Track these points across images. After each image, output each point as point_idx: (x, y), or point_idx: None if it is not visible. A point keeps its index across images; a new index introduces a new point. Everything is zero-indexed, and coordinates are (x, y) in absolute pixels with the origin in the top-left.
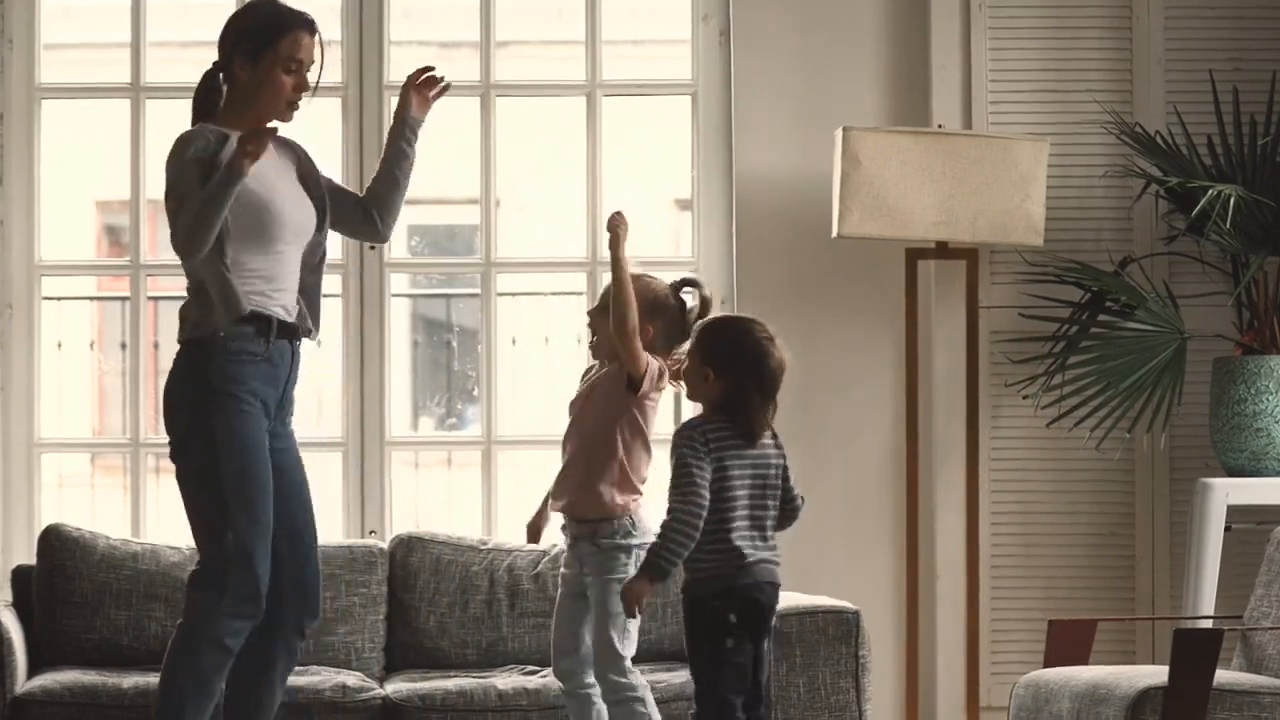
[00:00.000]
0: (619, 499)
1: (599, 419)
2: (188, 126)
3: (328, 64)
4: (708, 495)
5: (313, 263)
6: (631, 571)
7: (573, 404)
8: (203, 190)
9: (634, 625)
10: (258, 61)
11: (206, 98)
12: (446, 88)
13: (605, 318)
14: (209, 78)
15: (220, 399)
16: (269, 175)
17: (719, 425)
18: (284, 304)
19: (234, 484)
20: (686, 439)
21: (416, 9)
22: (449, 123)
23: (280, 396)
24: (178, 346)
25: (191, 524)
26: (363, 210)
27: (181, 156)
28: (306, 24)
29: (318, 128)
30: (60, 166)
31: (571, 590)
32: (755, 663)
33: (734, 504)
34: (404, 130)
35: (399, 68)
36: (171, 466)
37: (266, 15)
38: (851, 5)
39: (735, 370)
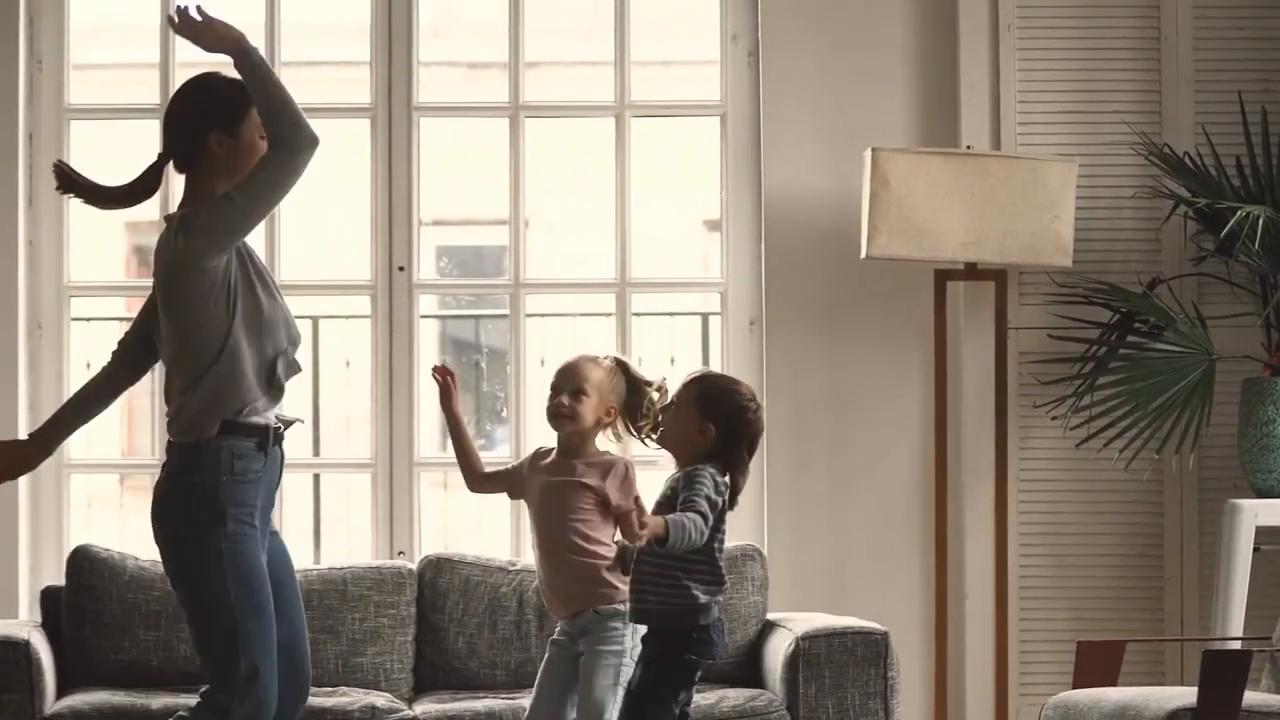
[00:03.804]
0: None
1: (573, 527)
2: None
3: (357, 85)
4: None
5: None
6: (628, 643)
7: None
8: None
9: (619, 698)
10: (238, 134)
11: (147, 186)
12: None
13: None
14: (155, 169)
15: (229, 525)
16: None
17: (718, 473)
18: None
19: (244, 611)
20: (711, 482)
21: (446, 30)
22: (478, 144)
23: (272, 499)
24: (176, 451)
25: (198, 642)
26: None
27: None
28: None
29: (346, 149)
30: None
31: (565, 656)
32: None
33: (719, 560)
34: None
35: (428, 89)
36: None
37: (229, 88)
38: (880, 26)
39: (734, 431)
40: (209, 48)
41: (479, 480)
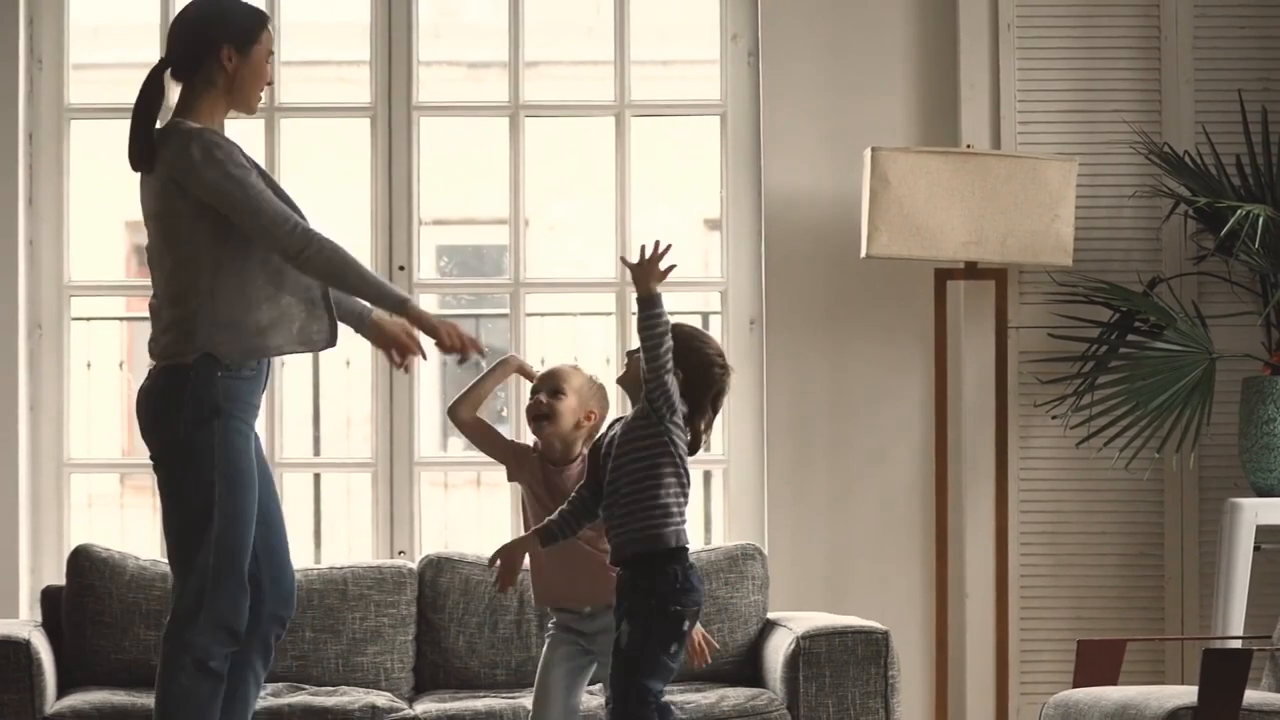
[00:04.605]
0: None
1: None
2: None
3: (357, 85)
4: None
5: None
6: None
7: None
8: (370, 280)
9: None
10: (248, 52)
11: (156, 93)
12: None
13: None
14: (156, 75)
15: (223, 421)
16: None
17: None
18: None
19: (224, 510)
20: (671, 419)
21: (446, 29)
22: (478, 143)
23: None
24: (160, 363)
25: (170, 539)
26: None
27: (229, 154)
28: (268, 17)
29: (346, 149)
30: (89, 187)
31: (571, 650)
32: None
33: (686, 477)
34: (363, 324)
35: (428, 88)
36: None
37: (244, 8)
38: (880, 25)
39: (698, 378)
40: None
41: (468, 418)
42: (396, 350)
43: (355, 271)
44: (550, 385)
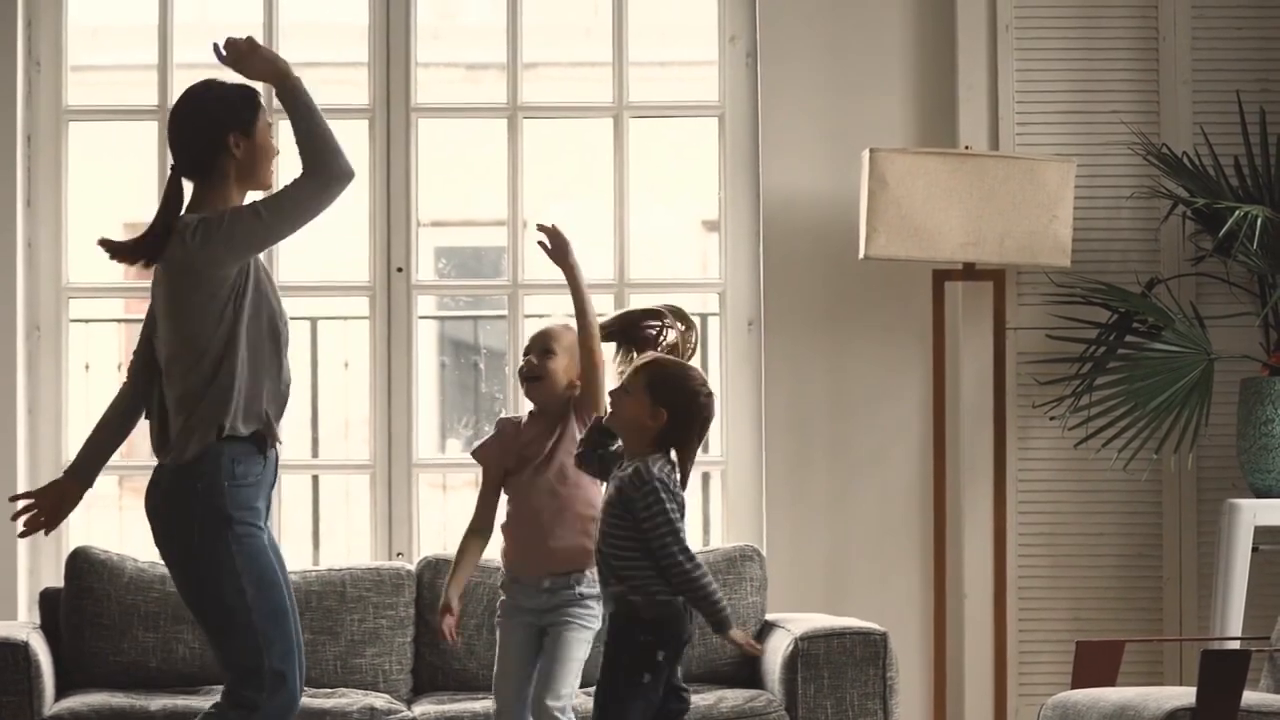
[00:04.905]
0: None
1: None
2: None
3: (355, 86)
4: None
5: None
6: (598, 625)
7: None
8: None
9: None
10: (253, 133)
11: (177, 197)
12: None
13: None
14: (175, 185)
15: (236, 529)
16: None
17: (667, 463)
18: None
19: (262, 613)
20: (659, 485)
21: (444, 31)
22: (476, 144)
23: (269, 502)
24: (171, 472)
25: (221, 652)
26: None
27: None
28: (259, 93)
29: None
30: (88, 189)
31: (526, 637)
32: (669, 689)
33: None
34: None
35: (426, 90)
36: None
37: (237, 89)
38: (878, 26)
39: (685, 416)
40: (253, 76)
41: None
42: None
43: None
44: (540, 345)
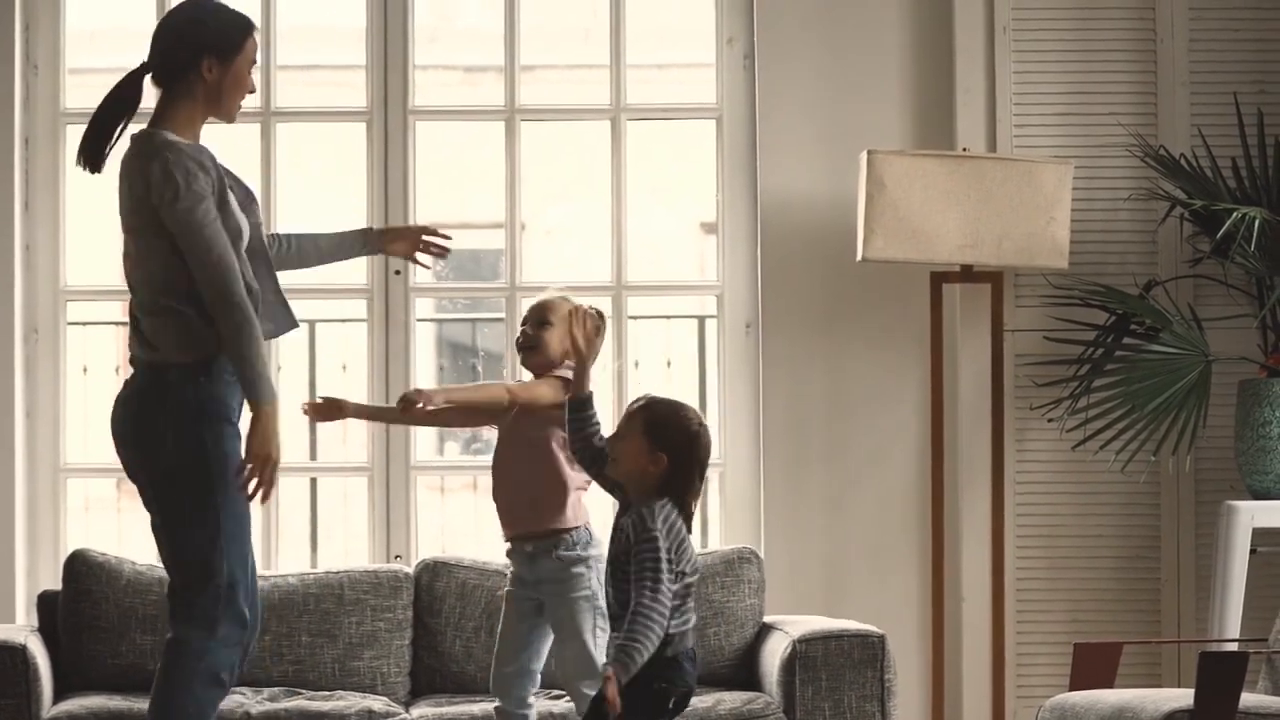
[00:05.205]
0: (578, 509)
1: (538, 439)
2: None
3: (353, 89)
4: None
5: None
6: (594, 585)
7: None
8: (256, 365)
9: (605, 638)
10: (230, 62)
11: (130, 98)
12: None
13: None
14: (135, 79)
15: (214, 425)
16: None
17: (671, 508)
18: None
19: (226, 514)
20: (658, 535)
21: (441, 33)
22: (474, 147)
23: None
24: (144, 369)
25: (172, 553)
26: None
27: (188, 177)
28: (254, 25)
29: (342, 153)
30: (86, 191)
31: (525, 609)
32: None
33: (689, 588)
34: (361, 246)
35: (424, 92)
36: None
37: (229, 16)
38: (876, 28)
39: (685, 457)
40: (390, 250)
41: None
42: (421, 247)
43: (251, 352)
44: (537, 316)
